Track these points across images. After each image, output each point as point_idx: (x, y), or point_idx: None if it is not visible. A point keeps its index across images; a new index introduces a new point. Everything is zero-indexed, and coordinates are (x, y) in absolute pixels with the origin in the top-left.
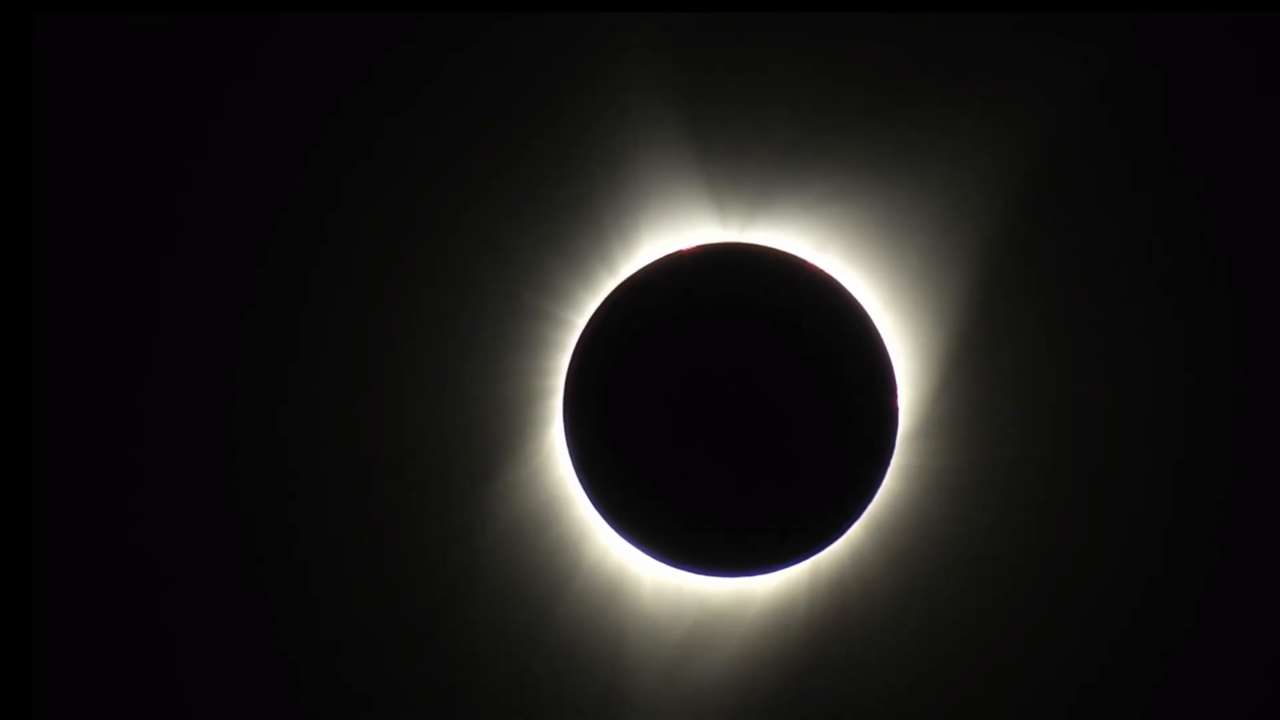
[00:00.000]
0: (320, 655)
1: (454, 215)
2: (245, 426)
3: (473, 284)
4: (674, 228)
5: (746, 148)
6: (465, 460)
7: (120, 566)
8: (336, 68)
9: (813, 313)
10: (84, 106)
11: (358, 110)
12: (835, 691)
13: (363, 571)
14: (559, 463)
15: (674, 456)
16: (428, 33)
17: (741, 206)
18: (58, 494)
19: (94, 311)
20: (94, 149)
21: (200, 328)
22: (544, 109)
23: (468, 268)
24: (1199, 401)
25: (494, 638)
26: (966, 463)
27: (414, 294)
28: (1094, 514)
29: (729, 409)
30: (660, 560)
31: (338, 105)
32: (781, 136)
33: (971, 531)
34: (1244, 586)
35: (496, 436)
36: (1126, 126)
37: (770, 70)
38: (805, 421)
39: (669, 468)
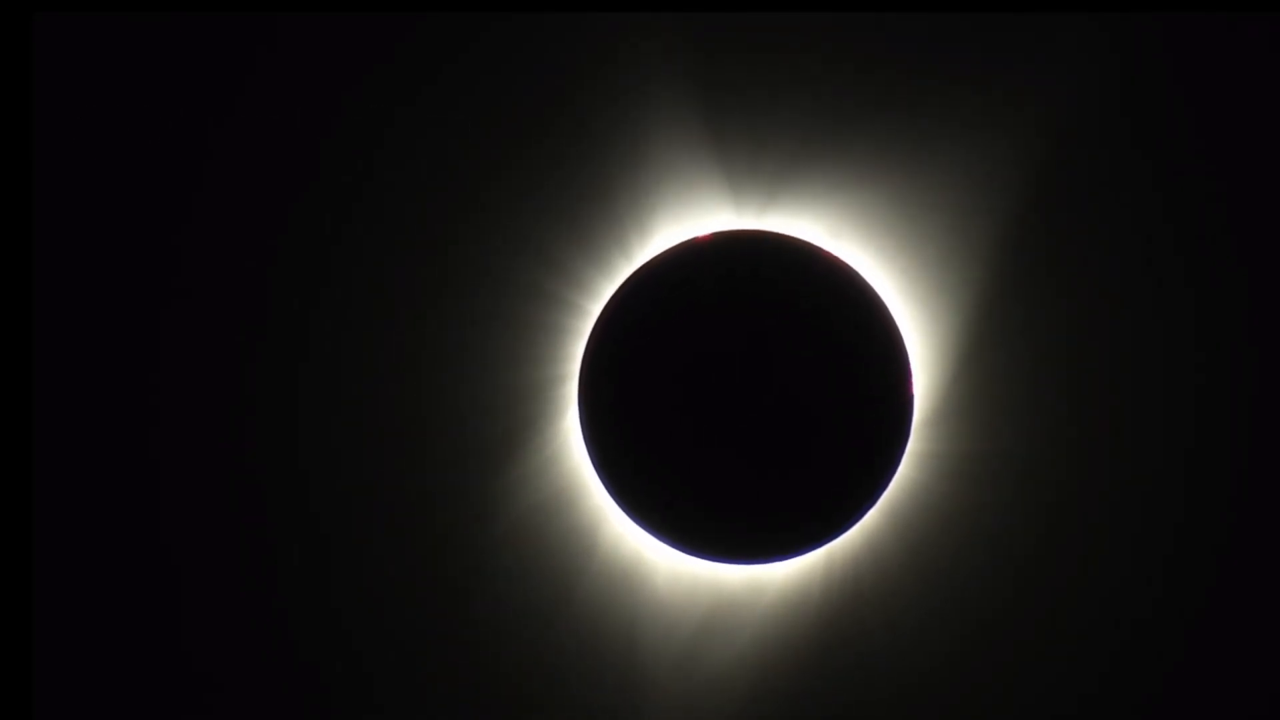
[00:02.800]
0: (335, 642)
1: (469, 202)
2: (260, 415)
3: (487, 270)
4: (690, 215)
5: (762, 135)
6: (480, 447)
7: (134, 552)
8: (346, 58)
9: (828, 300)
10: (84, 107)
11: (371, 97)
12: (850, 678)
13: (377, 559)
14: (573, 450)
15: (688, 443)
16: (443, 21)
17: (757, 194)
18: (68, 491)
19: (94, 313)
20: (94, 149)
21: (212, 318)
22: (561, 96)
23: (482, 254)
24: (1212, 388)
25: (509, 625)
26: (981, 449)
27: (428, 281)
28: (1108, 500)
29: (743, 396)
30: (675, 547)
31: (351, 93)
32: (797, 124)
33: (986, 518)
34: (1256, 569)
35: (511, 423)
36: (1140, 115)
37: (787, 58)
38: (820, 408)
39: (683, 455)
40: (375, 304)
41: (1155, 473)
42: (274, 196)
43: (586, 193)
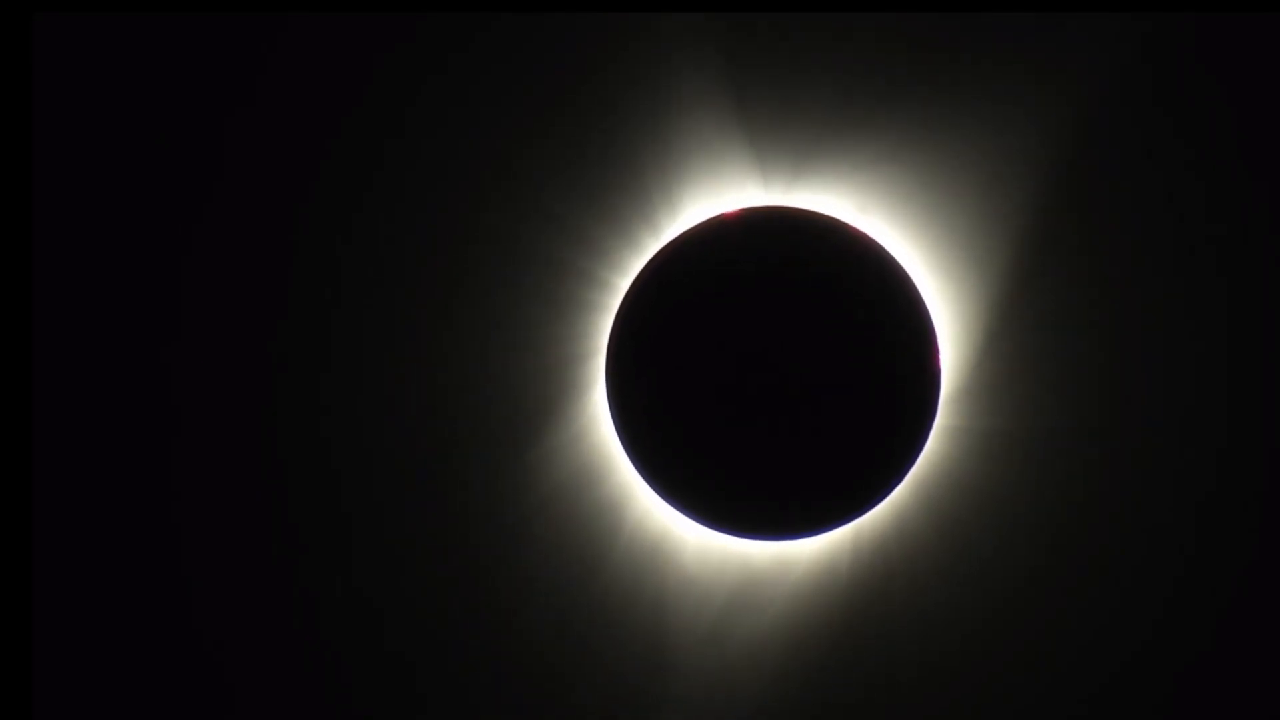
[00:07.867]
0: (364, 619)
1: (497, 177)
2: (288, 393)
3: (515, 246)
4: (717, 190)
5: (790, 110)
6: (508, 423)
7: (153, 543)
8: (371, 35)
9: (855, 275)
10: (84, 107)
11: (396, 73)
12: (878, 654)
13: (407, 536)
14: (601, 425)
15: (716, 419)
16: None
17: (785, 169)
18: (77, 482)
19: (94, 314)
20: (94, 150)
21: (232, 302)
22: (589, 72)
23: (510, 229)
24: (1243, 364)
25: (537, 601)
26: (1009, 424)
27: (456, 256)
28: (1137, 474)
29: (771, 371)
30: (703, 523)
31: (375, 69)
32: (825, 99)
33: (1014, 493)
34: None
35: (539, 399)
36: (1172, 93)
37: (815, 34)
38: (848, 384)
39: (711, 430)
40: (402, 281)
41: (1185, 449)
42: (295, 174)
43: (615, 169)
